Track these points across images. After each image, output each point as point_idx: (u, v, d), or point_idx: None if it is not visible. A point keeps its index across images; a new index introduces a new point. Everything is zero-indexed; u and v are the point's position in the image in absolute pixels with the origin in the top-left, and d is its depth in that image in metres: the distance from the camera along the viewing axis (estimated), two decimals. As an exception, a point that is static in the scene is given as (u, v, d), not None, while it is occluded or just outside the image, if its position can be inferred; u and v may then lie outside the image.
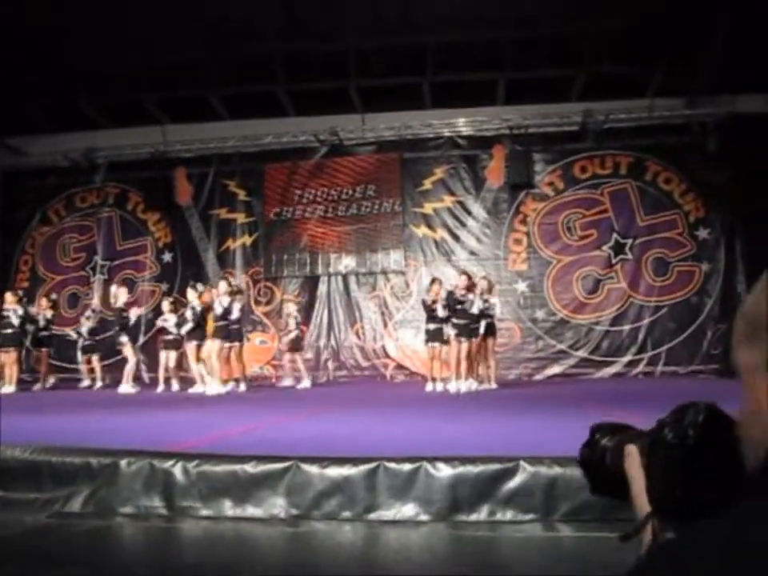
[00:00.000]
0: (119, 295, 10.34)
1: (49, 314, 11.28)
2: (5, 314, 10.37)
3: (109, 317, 12.83)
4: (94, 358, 11.36)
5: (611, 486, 0.80)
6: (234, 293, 9.87)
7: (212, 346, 9.36)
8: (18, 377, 10.48)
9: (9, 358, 10.32)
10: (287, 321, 10.98)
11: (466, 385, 8.74)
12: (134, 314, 10.36)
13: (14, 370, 10.34)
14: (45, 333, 11.21)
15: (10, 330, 10.34)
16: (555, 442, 3.28)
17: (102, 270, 13.08)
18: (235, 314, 9.64)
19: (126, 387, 9.82)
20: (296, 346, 10.80)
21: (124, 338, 10.06)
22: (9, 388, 10.06)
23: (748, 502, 0.49)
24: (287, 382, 10.98)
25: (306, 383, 10.37)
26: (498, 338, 9.70)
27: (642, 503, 0.70)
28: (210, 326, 9.56)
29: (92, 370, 11.47)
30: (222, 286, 9.72)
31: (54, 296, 12.14)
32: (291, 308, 11.02)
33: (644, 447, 0.73)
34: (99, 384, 11.04)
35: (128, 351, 10.07)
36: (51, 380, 11.34)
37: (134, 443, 3.59)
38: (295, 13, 9.49)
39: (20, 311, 10.50)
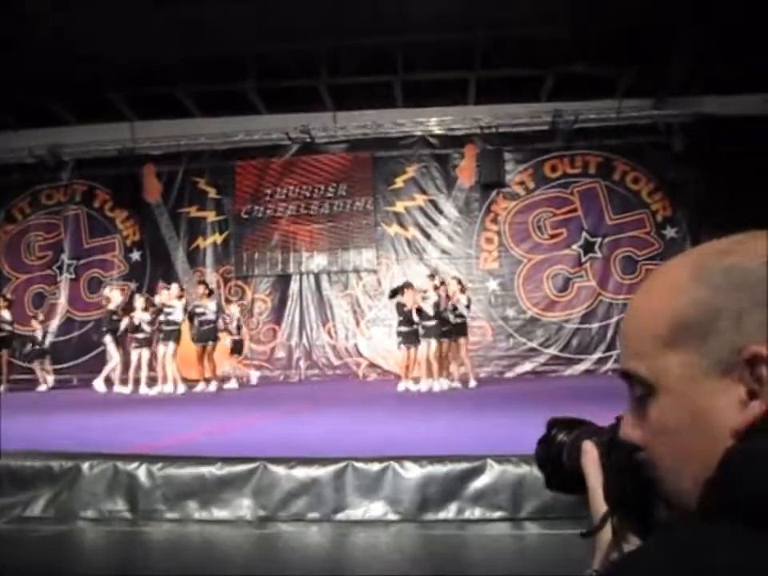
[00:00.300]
0: (112, 298, 10.10)
1: (6, 314, 10.96)
2: None
3: (77, 316, 12.64)
4: (46, 362, 11.17)
5: (567, 482, 0.79)
6: (209, 294, 9.89)
7: (166, 348, 9.34)
8: None
9: None
10: (228, 324, 10.72)
11: (438, 384, 8.78)
12: (126, 318, 10.00)
13: None
14: (2, 333, 10.88)
15: None
16: (524, 440, 3.29)
17: (69, 269, 12.83)
18: (209, 315, 9.64)
19: (100, 383, 9.64)
20: (236, 348, 10.61)
21: (108, 338, 9.86)
22: None
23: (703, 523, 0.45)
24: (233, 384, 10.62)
25: (253, 380, 10.21)
26: (469, 336, 9.74)
27: (598, 501, 0.68)
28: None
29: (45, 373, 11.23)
30: (174, 289, 9.65)
31: (9, 296, 11.76)
32: (233, 310, 10.82)
33: (601, 444, 0.72)
34: (50, 385, 10.78)
35: (112, 350, 9.86)
36: None
37: (100, 446, 3.52)
38: (266, 11, 9.41)
39: None
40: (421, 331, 8.92)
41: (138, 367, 9.90)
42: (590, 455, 0.70)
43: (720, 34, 9.22)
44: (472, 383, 9.22)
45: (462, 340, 9.33)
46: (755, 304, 0.48)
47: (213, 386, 9.58)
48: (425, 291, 9.07)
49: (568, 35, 9.91)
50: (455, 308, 9.12)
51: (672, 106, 11.43)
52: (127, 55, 10.33)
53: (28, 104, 11.67)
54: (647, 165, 11.77)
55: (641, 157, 11.76)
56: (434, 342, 8.82)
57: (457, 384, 9.15)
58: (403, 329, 9.15)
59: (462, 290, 9.45)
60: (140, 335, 9.78)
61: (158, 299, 9.68)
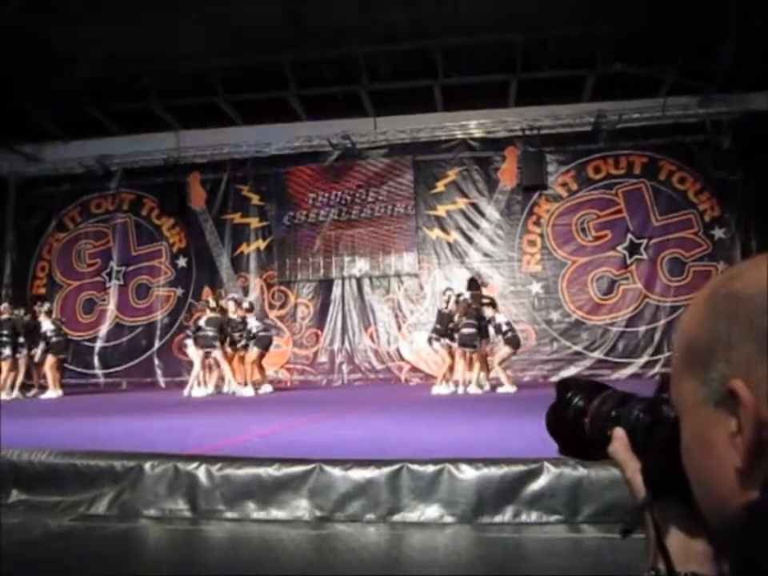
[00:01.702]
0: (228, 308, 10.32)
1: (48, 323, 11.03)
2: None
3: (125, 322, 12.96)
4: (47, 359, 10.72)
5: (586, 449, 0.75)
6: (248, 309, 10.24)
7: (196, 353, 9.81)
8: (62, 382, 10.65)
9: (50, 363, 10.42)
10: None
11: (473, 387, 8.88)
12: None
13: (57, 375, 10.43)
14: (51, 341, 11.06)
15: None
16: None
17: (118, 276, 13.17)
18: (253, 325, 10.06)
19: (198, 390, 9.84)
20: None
21: (190, 342, 10.14)
22: (56, 392, 10.19)
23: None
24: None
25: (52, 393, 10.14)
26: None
27: (638, 487, 0.65)
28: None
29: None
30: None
31: (48, 306, 11.58)
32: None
33: (635, 428, 0.67)
34: (58, 394, 10.37)
35: (193, 355, 10.06)
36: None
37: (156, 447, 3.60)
38: (305, 18, 9.53)
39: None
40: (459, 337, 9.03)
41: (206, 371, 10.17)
42: (622, 442, 0.67)
43: (767, 28, 8.99)
44: (509, 389, 9.14)
45: (505, 348, 9.39)
46: (746, 335, 0.47)
47: (267, 388, 9.85)
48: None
49: (609, 34, 9.79)
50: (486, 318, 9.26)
51: (719, 104, 11.16)
52: (170, 66, 10.58)
53: (77, 116, 12.03)
54: (694, 164, 11.50)
55: (687, 156, 11.50)
56: (468, 349, 9.01)
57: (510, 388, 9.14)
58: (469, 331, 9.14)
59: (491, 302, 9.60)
60: (207, 341, 9.89)
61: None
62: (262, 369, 10.18)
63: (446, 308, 9.37)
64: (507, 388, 9.07)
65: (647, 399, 0.68)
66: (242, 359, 10.06)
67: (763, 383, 0.45)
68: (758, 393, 0.45)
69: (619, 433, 0.68)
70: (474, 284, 9.82)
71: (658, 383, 0.66)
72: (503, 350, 9.35)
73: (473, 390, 8.86)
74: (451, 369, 9.29)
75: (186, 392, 9.70)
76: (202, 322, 9.81)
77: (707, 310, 0.50)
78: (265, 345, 10.01)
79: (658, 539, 0.62)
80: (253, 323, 10.07)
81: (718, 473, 0.49)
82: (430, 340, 9.59)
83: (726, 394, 0.47)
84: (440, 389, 9.06)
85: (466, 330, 8.90)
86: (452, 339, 9.14)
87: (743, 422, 0.46)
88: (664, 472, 0.60)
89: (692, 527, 0.61)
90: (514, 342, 9.31)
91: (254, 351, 9.89)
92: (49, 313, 10.84)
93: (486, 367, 9.58)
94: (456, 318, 9.08)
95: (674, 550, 0.61)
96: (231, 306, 10.20)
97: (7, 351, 10.31)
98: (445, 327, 9.23)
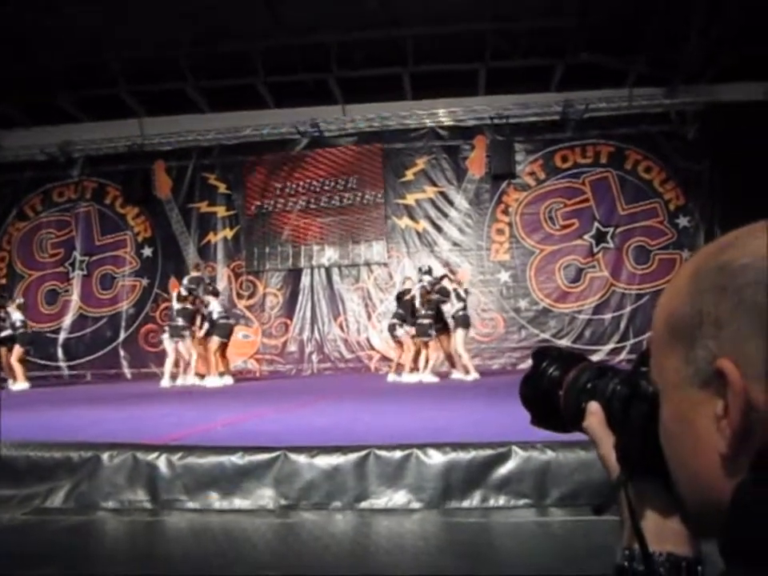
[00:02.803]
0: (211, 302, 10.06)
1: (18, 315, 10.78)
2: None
3: (89, 313, 12.67)
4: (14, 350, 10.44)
5: (559, 420, 0.72)
6: (213, 293, 9.97)
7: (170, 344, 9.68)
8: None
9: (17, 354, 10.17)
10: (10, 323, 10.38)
11: (428, 376, 9.01)
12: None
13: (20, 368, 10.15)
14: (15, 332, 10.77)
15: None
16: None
17: (81, 266, 12.87)
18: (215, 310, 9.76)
19: (167, 381, 9.62)
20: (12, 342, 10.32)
21: (166, 336, 9.88)
22: (24, 384, 9.93)
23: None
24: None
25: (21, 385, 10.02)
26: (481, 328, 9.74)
27: (612, 465, 0.63)
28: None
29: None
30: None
31: (21, 299, 11.46)
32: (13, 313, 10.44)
33: (611, 401, 0.64)
34: (22, 386, 10.03)
35: (168, 347, 9.85)
36: None
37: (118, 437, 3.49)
38: (275, 4, 9.37)
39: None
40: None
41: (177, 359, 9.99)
42: (598, 417, 0.65)
43: (733, 20, 9.10)
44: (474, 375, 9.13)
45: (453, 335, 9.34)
46: (734, 310, 0.43)
47: (228, 380, 9.64)
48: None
49: (577, 24, 9.81)
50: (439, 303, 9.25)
51: (684, 94, 11.30)
52: (135, 52, 10.32)
53: (39, 101, 11.69)
54: (659, 154, 11.65)
55: (653, 146, 11.64)
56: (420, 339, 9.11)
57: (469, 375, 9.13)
58: (426, 321, 9.10)
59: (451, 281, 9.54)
60: (177, 332, 9.72)
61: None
62: (224, 359, 9.97)
63: (408, 295, 9.39)
64: (472, 374, 9.00)
65: (625, 372, 0.66)
66: (205, 349, 9.85)
67: (753, 363, 0.41)
68: (746, 373, 0.42)
69: (594, 407, 0.65)
70: (428, 272, 9.74)
71: (637, 356, 0.63)
72: (458, 334, 9.11)
73: (428, 378, 8.89)
74: (417, 356, 9.29)
75: (163, 383, 9.53)
76: (173, 312, 9.63)
77: (693, 283, 0.47)
78: (225, 334, 9.71)
79: (633, 519, 0.60)
80: (215, 308, 9.77)
81: (699, 457, 0.46)
82: (392, 327, 9.55)
83: (713, 374, 0.44)
84: (409, 377, 9.05)
85: (422, 321, 8.96)
86: (412, 326, 9.15)
87: (730, 404, 0.42)
88: (640, 449, 0.58)
89: (668, 506, 0.59)
90: (464, 322, 9.12)
91: (214, 341, 9.66)
92: (20, 306, 10.61)
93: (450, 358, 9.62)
94: (417, 306, 9.11)
95: (649, 529, 0.59)
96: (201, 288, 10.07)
97: None
98: (407, 314, 9.22)
